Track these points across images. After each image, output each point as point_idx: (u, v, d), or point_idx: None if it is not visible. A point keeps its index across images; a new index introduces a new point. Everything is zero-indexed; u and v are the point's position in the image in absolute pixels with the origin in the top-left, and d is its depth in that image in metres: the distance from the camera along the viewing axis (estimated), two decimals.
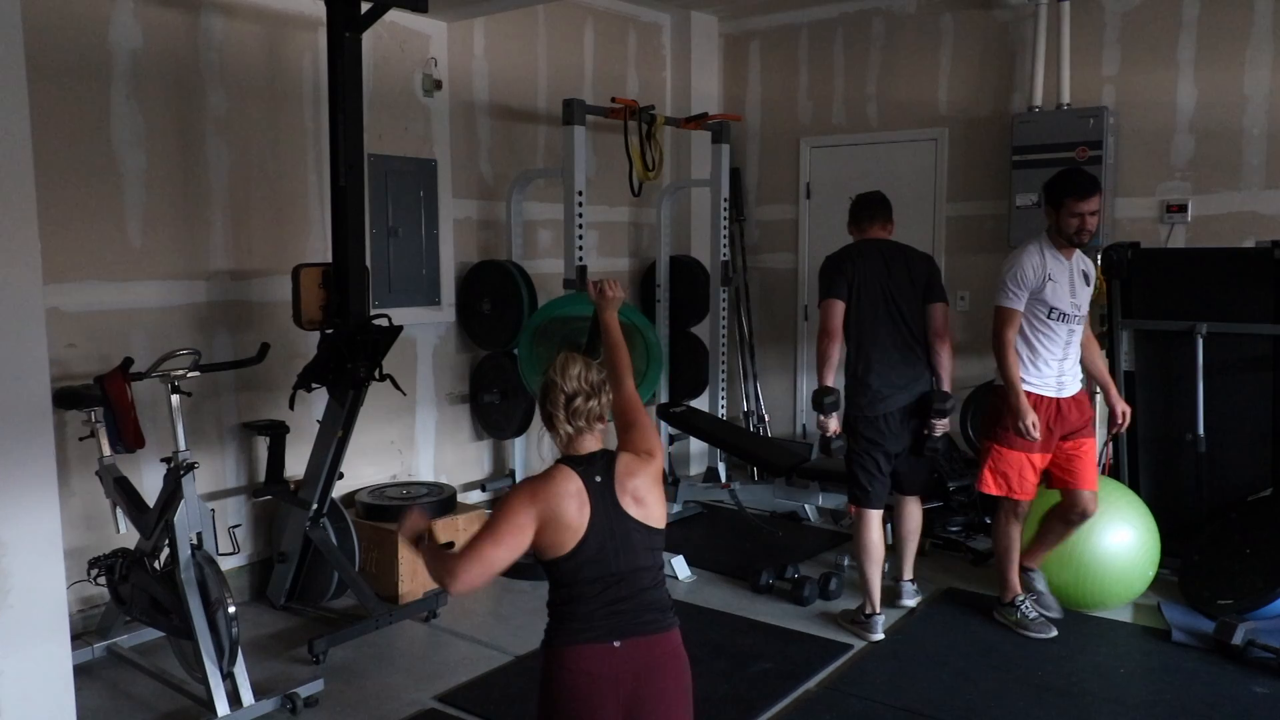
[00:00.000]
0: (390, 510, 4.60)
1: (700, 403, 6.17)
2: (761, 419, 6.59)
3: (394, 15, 4.59)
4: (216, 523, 3.74)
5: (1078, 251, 4.00)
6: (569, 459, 2.36)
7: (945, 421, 4.12)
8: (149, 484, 3.94)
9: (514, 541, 2.30)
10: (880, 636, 4.05)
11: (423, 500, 4.67)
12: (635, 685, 2.29)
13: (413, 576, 4.48)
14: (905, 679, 3.68)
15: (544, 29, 5.74)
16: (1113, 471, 4.85)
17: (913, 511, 4.38)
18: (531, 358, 3.87)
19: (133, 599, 3.58)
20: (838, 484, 5.14)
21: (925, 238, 5.98)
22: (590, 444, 2.38)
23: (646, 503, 2.34)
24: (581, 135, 4.89)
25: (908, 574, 4.44)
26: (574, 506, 2.29)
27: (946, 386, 4.15)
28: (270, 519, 4.56)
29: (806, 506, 5.57)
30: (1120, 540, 4.09)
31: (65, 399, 3.60)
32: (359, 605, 4.14)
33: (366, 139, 4.12)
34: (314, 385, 4.06)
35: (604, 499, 2.31)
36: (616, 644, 2.30)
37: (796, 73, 6.44)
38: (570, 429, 2.36)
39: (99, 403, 3.60)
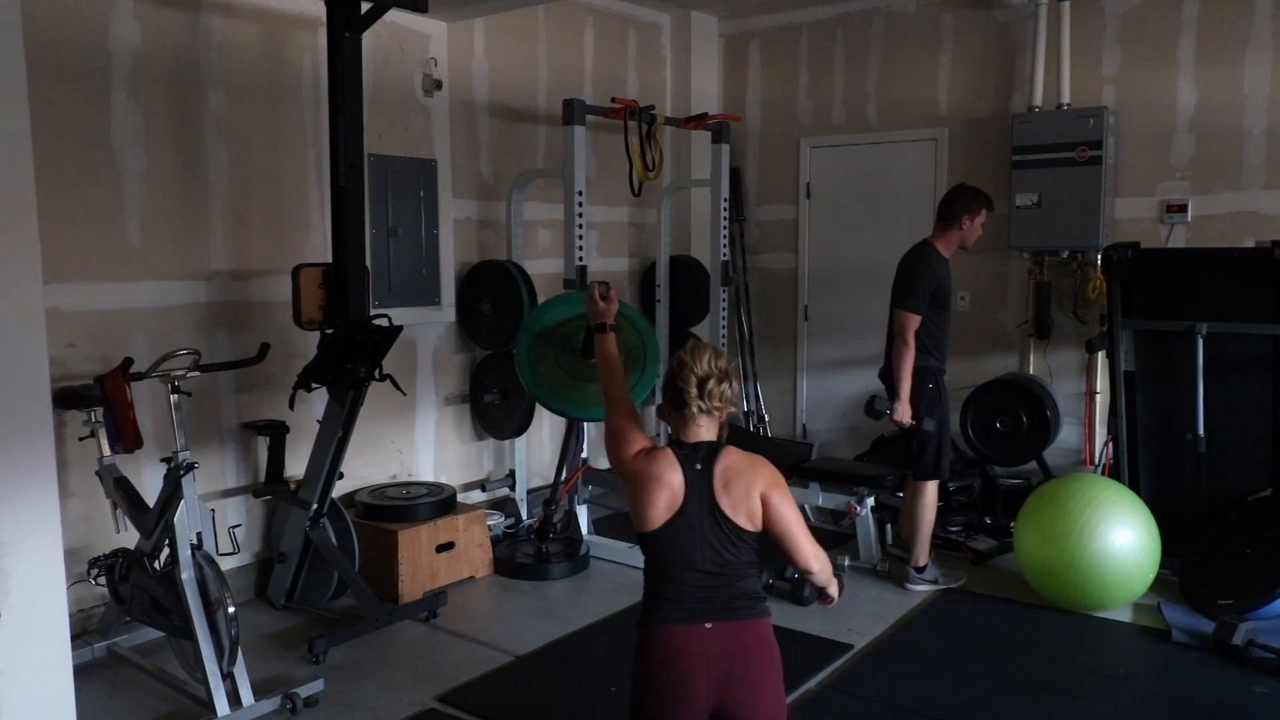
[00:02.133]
0: (390, 510, 4.61)
1: None
2: (761, 419, 6.59)
3: (394, 15, 4.59)
4: (216, 523, 3.73)
5: None
6: (678, 443, 2.45)
7: (899, 417, 4.43)
8: (149, 484, 3.94)
9: (612, 433, 2.56)
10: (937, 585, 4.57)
11: (422, 500, 4.67)
12: (726, 667, 2.37)
13: (412, 577, 4.48)
14: (905, 679, 3.68)
15: (544, 29, 5.74)
16: (1113, 471, 4.85)
17: (913, 490, 4.61)
18: (529, 361, 3.83)
19: (133, 599, 3.58)
20: (837, 484, 5.15)
21: (924, 238, 5.97)
22: (702, 433, 2.48)
23: (740, 500, 2.41)
24: (581, 135, 4.89)
25: (920, 558, 4.59)
26: (665, 493, 2.40)
27: (899, 389, 4.40)
28: (270, 519, 4.56)
29: (806, 506, 5.56)
30: (1121, 542, 4.08)
31: (65, 399, 3.60)
32: (359, 605, 4.14)
33: (366, 139, 4.12)
34: (314, 385, 4.06)
35: (699, 490, 2.40)
36: (708, 625, 2.39)
37: (796, 73, 6.44)
38: (703, 405, 2.45)
39: (99, 403, 3.60)
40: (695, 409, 2.45)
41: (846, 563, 4.86)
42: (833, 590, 2.60)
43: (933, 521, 4.60)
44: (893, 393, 4.48)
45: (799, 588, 4.44)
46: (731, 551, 2.42)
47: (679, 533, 2.39)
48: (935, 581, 4.58)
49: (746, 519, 2.41)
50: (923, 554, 4.59)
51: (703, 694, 2.36)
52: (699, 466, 2.41)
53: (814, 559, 2.50)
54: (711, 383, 2.44)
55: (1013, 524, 4.63)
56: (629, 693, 2.47)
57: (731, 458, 2.45)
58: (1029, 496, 4.50)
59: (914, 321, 4.38)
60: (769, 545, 2.49)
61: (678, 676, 2.37)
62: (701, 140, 6.17)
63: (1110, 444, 4.98)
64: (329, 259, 4.12)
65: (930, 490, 4.56)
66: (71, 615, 3.29)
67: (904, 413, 4.42)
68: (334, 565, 4.19)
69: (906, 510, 4.71)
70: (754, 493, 2.41)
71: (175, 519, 3.36)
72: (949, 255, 4.58)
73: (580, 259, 4.92)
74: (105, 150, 3.95)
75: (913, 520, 4.60)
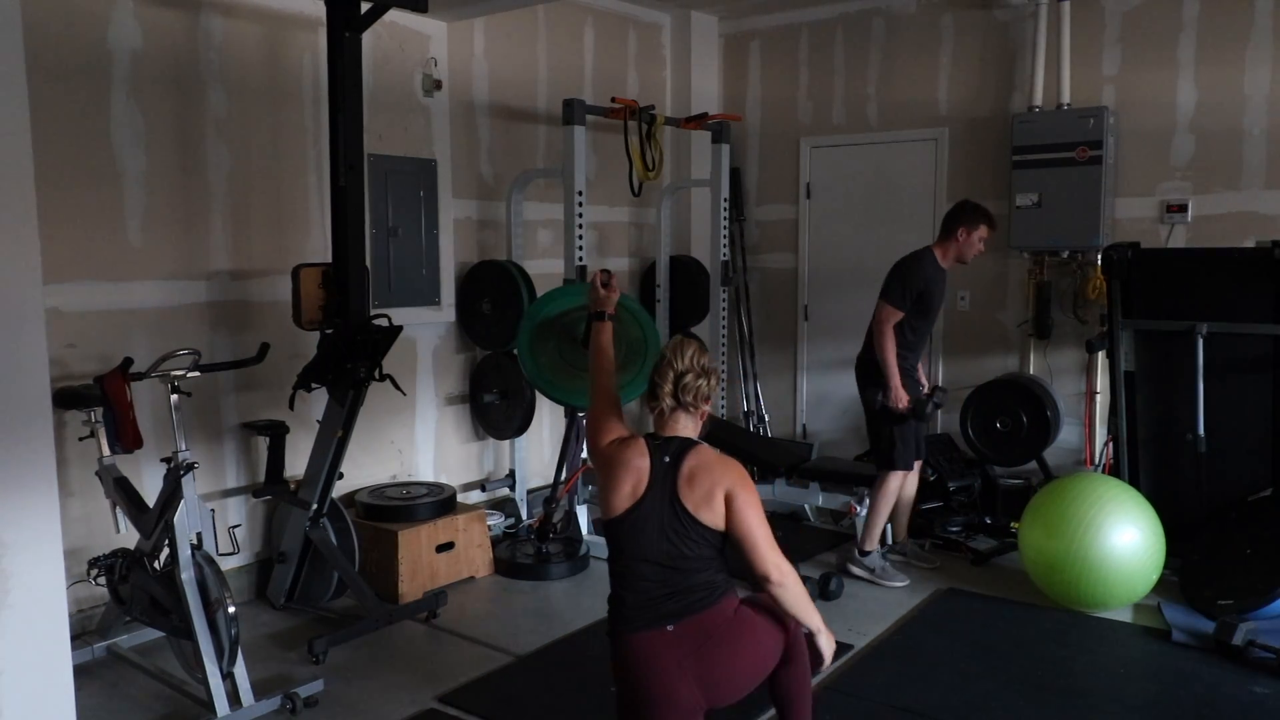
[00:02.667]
0: (390, 510, 4.61)
1: None
2: (761, 419, 6.59)
3: (394, 15, 4.58)
4: (216, 523, 3.73)
5: None
6: (651, 436, 2.45)
7: (894, 402, 4.55)
8: (149, 484, 3.94)
9: (592, 420, 2.62)
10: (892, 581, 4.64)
11: (422, 500, 4.67)
12: (699, 662, 2.39)
13: (412, 576, 4.48)
14: (905, 679, 3.67)
15: (544, 29, 5.74)
16: (1113, 471, 4.85)
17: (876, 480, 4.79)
18: (530, 349, 3.84)
19: (133, 599, 3.58)
20: (837, 484, 5.15)
21: (925, 238, 5.96)
22: (679, 428, 2.49)
23: (706, 498, 2.41)
24: (581, 135, 4.89)
25: (866, 543, 4.74)
26: (630, 478, 2.42)
27: (889, 378, 4.54)
28: (270, 519, 4.56)
29: (806, 506, 5.57)
30: (1127, 541, 4.08)
31: (65, 399, 3.60)
32: (359, 605, 4.14)
33: (366, 139, 4.12)
34: (314, 385, 4.06)
35: (663, 482, 2.39)
36: (670, 628, 2.41)
37: (796, 73, 6.44)
38: (673, 403, 2.47)
39: (99, 403, 3.59)
40: (667, 404, 2.45)
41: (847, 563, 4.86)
42: (824, 645, 2.54)
43: (888, 512, 4.72)
44: (865, 382, 4.67)
45: (824, 582, 4.47)
46: (689, 546, 2.41)
47: (638, 521, 2.40)
48: (873, 572, 4.66)
49: (711, 517, 2.40)
50: (870, 540, 4.69)
51: (688, 694, 2.36)
52: (667, 459, 2.42)
53: (773, 568, 2.42)
54: (689, 377, 2.45)
55: (1013, 524, 4.63)
56: (616, 700, 2.46)
57: (702, 456, 2.44)
58: (1036, 493, 4.50)
59: (894, 315, 4.50)
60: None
61: (658, 686, 2.37)
62: (701, 140, 6.17)
63: (1110, 444, 4.98)
64: (329, 259, 4.12)
65: (892, 481, 4.66)
66: (71, 615, 3.29)
67: (900, 397, 4.53)
68: (334, 565, 4.19)
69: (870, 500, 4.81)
70: (718, 492, 2.39)
71: (175, 519, 3.36)
72: (946, 266, 4.65)
73: (580, 259, 4.92)
74: (105, 150, 3.95)
75: (872, 505, 4.71)
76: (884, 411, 4.59)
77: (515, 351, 4.38)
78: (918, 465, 4.86)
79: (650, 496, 2.40)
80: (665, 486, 2.40)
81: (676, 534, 2.40)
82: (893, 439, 4.62)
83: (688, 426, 2.49)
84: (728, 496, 2.39)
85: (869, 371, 4.67)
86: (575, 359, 3.85)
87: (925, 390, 4.72)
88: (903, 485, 4.76)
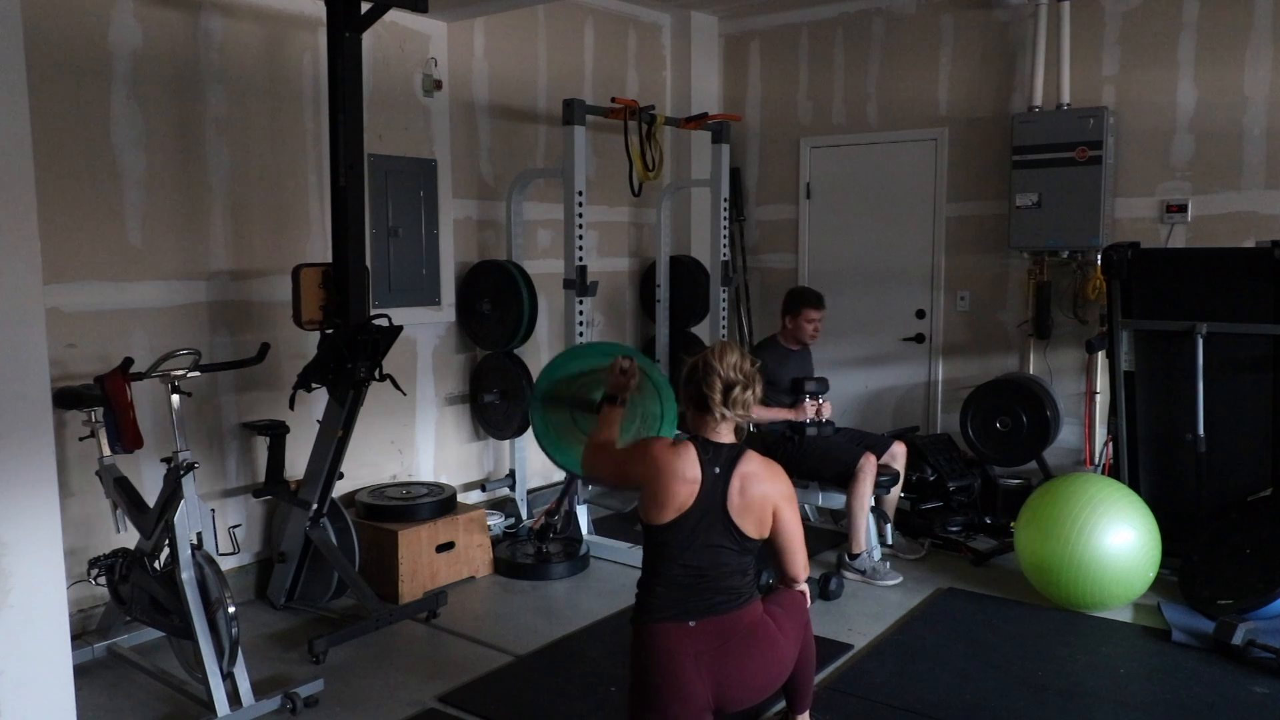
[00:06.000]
0: (390, 510, 4.61)
1: None
2: None
3: (394, 15, 4.59)
4: (216, 523, 3.73)
5: None
6: (702, 441, 2.47)
7: (813, 416, 4.86)
8: (149, 484, 3.94)
9: (618, 465, 2.62)
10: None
11: (422, 500, 4.67)
12: (716, 658, 2.45)
13: (412, 576, 4.48)
14: (905, 679, 3.68)
15: (544, 29, 5.74)
16: (1112, 471, 4.85)
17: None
18: (545, 426, 3.68)
19: (133, 599, 3.58)
20: (836, 484, 5.15)
21: (925, 238, 5.98)
22: (724, 434, 2.55)
23: (752, 508, 2.49)
24: (581, 135, 4.89)
25: (854, 545, 4.78)
26: (683, 490, 2.45)
27: (782, 416, 4.85)
28: (270, 519, 4.56)
29: (806, 506, 5.57)
30: (1121, 541, 4.08)
31: (65, 399, 3.60)
32: (359, 605, 4.14)
33: (366, 139, 4.12)
34: (314, 385, 4.06)
35: (713, 491, 2.44)
36: (692, 623, 2.46)
37: (796, 73, 6.44)
38: (726, 412, 2.51)
39: (99, 403, 3.59)
40: (718, 415, 2.49)
41: (848, 558, 4.86)
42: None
43: (866, 510, 4.74)
44: (774, 447, 4.81)
45: (824, 583, 4.47)
46: (728, 555, 2.46)
47: (683, 533, 2.44)
48: (864, 573, 4.69)
49: (755, 527, 2.46)
50: (857, 543, 4.73)
51: (700, 690, 2.40)
52: (718, 470, 2.45)
53: (803, 569, 2.67)
54: (736, 390, 2.50)
55: (1013, 524, 4.63)
56: (627, 689, 2.50)
57: (751, 464, 2.49)
58: (1030, 495, 4.50)
59: None
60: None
61: (673, 676, 2.41)
62: (701, 140, 6.17)
63: (1110, 444, 4.98)
64: (329, 259, 4.12)
65: (861, 483, 4.67)
66: (71, 615, 3.29)
67: (800, 410, 4.80)
68: (334, 565, 4.19)
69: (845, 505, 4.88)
70: (769, 504, 2.47)
71: (175, 519, 3.36)
72: (795, 347, 4.98)
73: (580, 259, 4.92)
74: (105, 150, 3.95)
75: (850, 509, 4.75)
76: (805, 443, 4.78)
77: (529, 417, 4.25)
78: (898, 449, 4.93)
79: (698, 508, 2.45)
80: (714, 499, 2.45)
81: (720, 543, 2.47)
82: (827, 452, 4.76)
83: (730, 432, 2.56)
84: (775, 511, 2.51)
85: (766, 442, 4.88)
86: (586, 425, 3.69)
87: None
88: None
